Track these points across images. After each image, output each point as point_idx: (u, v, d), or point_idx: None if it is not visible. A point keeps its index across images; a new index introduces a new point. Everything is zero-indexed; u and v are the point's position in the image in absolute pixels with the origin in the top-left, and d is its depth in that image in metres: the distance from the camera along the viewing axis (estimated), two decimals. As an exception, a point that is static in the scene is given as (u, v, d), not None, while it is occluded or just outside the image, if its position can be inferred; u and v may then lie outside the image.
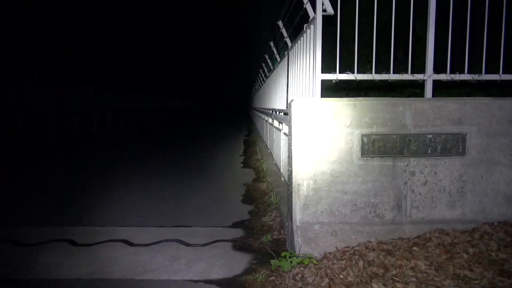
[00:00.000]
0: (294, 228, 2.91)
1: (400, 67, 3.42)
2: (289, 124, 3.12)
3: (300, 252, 2.77)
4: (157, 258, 3.07)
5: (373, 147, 2.86)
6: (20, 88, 11.78)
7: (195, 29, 54.33)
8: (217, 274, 2.78)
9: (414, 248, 2.58)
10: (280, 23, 5.57)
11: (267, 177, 6.00)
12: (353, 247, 2.74)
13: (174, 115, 34.19)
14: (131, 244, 3.37)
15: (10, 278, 2.78)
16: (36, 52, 14.83)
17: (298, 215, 2.91)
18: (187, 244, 3.35)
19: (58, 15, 17.14)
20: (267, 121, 9.33)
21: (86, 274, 2.79)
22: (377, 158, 2.88)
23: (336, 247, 2.77)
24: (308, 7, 3.44)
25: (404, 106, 2.86)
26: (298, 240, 2.85)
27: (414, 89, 6.83)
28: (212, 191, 5.58)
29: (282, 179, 5.37)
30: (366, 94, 8.95)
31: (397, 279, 2.26)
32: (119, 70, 24.46)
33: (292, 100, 2.93)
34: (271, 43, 7.48)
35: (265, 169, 6.72)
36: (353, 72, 3.22)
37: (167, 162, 8.68)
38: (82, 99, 16.24)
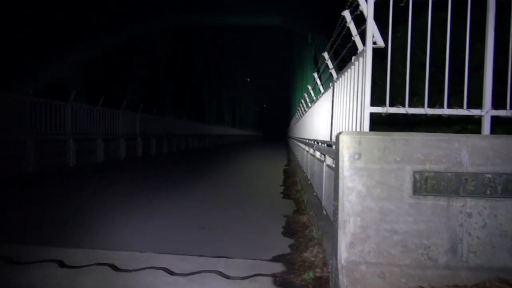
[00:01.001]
0: (339, 267, 2.77)
1: (451, 101, 3.27)
2: (335, 157, 3.03)
3: (346, 293, 2.61)
4: (196, 290, 3.01)
5: (426, 184, 2.71)
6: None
7: (240, 58, 55.96)
8: (257, 311, 2.68)
9: (473, 297, 2.37)
10: (325, 54, 5.57)
11: (308, 210, 5.85)
12: (403, 291, 2.56)
13: (218, 141, 35.02)
14: (171, 272, 3.34)
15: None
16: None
17: (343, 253, 2.77)
18: (227, 277, 3.28)
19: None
20: (307, 151, 9.23)
21: (126, 302, 2.78)
22: (430, 196, 2.72)
23: (385, 291, 2.60)
24: (357, 39, 3.41)
25: (460, 143, 2.70)
26: (343, 280, 2.71)
27: (465, 125, 6.52)
28: (252, 221, 5.50)
29: (324, 212, 5.21)
30: (412, 129, 8.66)
31: (455, 332, 2.06)
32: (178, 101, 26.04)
33: (340, 133, 2.85)
34: (315, 74, 7.49)
35: (305, 200, 6.58)
36: (403, 106, 3.12)
37: (207, 189, 8.73)
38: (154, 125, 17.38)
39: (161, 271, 3.37)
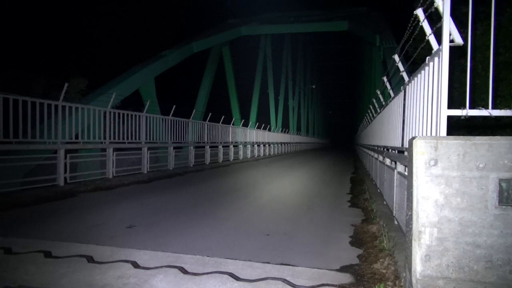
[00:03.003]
0: (414, 281, 2.58)
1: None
2: (408, 164, 2.85)
3: (421, 310, 2.43)
4: (262, 297, 2.99)
5: (514, 194, 2.44)
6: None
7: (308, 65, 55.77)
8: (325, 322, 2.58)
9: None
10: (396, 57, 5.31)
11: (377, 219, 5.58)
12: (488, 312, 2.31)
13: (285, 148, 35.18)
14: (237, 278, 3.35)
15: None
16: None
17: (418, 266, 2.58)
18: (292, 285, 3.21)
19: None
20: (376, 158, 8.86)
21: (194, 304, 2.83)
22: (520, 207, 2.44)
23: (467, 310, 2.37)
24: (432, 38, 3.20)
25: (555, 148, 2.40)
26: (418, 295, 2.52)
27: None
28: (319, 230, 5.37)
29: (395, 222, 4.93)
30: (492, 134, 7.94)
31: None
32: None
33: (413, 138, 2.68)
34: (384, 78, 7.18)
35: (374, 210, 6.30)
36: (485, 108, 2.85)
37: (274, 192, 8.73)
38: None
39: (227, 276, 3.40)
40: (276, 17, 30.04)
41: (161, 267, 3.59)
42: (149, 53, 19.74)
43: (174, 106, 14.71)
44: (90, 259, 3.79)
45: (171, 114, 14.72)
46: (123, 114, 11.83)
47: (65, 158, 9.27)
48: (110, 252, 4.02)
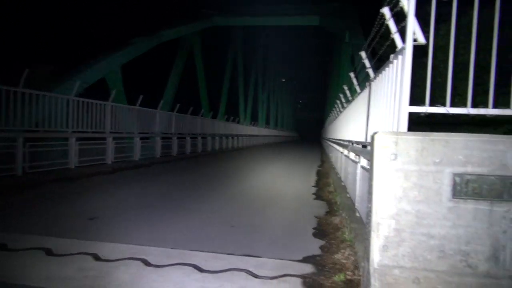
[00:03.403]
0: (371, 270, 2.67)
1: (496, 103, 3.09)
2: (370, 158, 2.93)
3: (378, 298, 2.52)
4: (225, 287, 3.01)
5: (467, 188, 2.56)
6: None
7: (275, 57, 55.94)
8: (286, 311, 2.63)
9: (517, 309, 2.22)
10: (362, 53, 5.43)
11: (341, 211, 5.73)
12: (439, 299, 2.44)
13: (252, 141, 35.18)
14: (200, 270, 3.36)
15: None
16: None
17: (376, 256, 2.67)
18: (255, 276, 3.26)
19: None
20: (342, 152, 9.06)
21: (156, 296, 2.82)
22: (471, 201, 2.57)
23: (420, 297, 2.49)
24: (396, 36, 3.29)
25: (505, 145, 2.54)
26: (375, 284, 2.62)
27: (511, 126, 6.18)
28: (283, 221, 5.46)
29: (357, 214, 5.08)
30: (452, 130, 8.29)
31: None
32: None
33: (375, 133, 2.76)
34: (351, 74, 7.33)
35: (338, 202, 6.46)
36: (443, 105, 2.98)
37: (240, 185, 8.77)
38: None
39: (191, 267, 3.40)
40: (249, 9, 29.88)
41: (123, 259, 3.54)
42: (117, 41, 19.17)
43: (141, 96, 14.40)
44: (49, 252, 3.68)
45: (138, 104, 14.42)
46: (88, 103, 11.47)
47: (24, 147, 8.90)
48: (70, 245, 3.91)
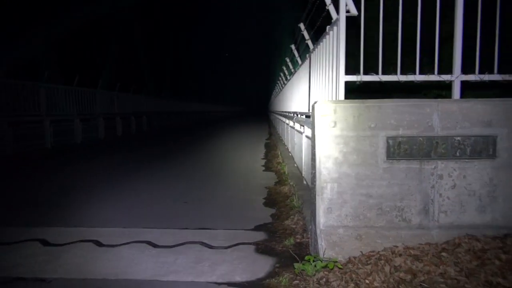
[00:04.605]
0: (318, 231, 2.87)
1: (425, 69, 3.34)
2: (312, 127, 3.09)
3: (324, 256, 2.73)
4: (181, 260, 3.09)
5: (399, 149, 2.80)
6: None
7: (219, 32, 54.89)
8: (241, 277, 2.77)
9: (443, 253, 2.51)
10: (301, 25, 5.55)
11: (289, 180, 5.97)
12: (378, 251, 2.69)
13: (199, 118, 34.80)
14: (155, 245, 3.40)
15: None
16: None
17: (322, 218, 2.87)
18: (210, 247, 3.36)
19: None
20: (288, 124, 9.30)
21: (112, 275, 2.83)
22: (403, 161, 2.82)
23: (361, 252, 2.73)
24: (331, 8, 3.41)
25: (431, 108, 2.79)
26: (322, 243, 2.82)
27: (439, 91, 6.66)
28: (234, 193, 5.59)
29: (304, 182, 5.32)
30: (389, 97, 8.79)
31: (426, 285, 2.20)
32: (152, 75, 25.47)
33: (315, 102, 2.90)
34: (292, 46, 7.46)
35: (286, 172, 6.69)
36: (377, 74, 3.17)
37: (191, 162, 8.76)
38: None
39: (145, 244, 3.43)
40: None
41: (74, 242, 3.49)
42: (44, 15, 17.66)
43: (77, 76, 13.66)
44: (-7, 242, 3.53)
45: (74, 84, 13.68)
46: (18, 85, 10.70)
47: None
48: (15, 232, 3.77)
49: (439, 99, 2.85)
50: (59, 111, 12.68)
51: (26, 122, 11.03)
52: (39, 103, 11.63)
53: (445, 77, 3.13)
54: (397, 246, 2.72)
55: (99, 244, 3.45)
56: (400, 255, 2.56)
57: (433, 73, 3.15)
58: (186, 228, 3.90)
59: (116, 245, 3.41)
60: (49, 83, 12.28)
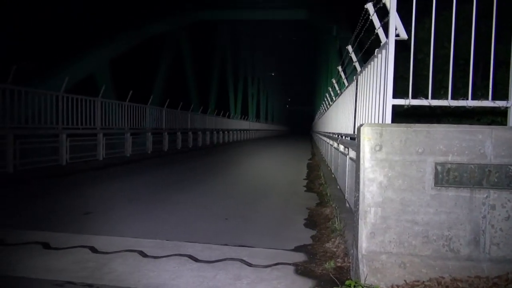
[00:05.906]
0: (360, 256, 2.81)
1: (477, 94, 3.23)
2: (357, 150, 3.06)
3: (366, 282, 2.66)
4: (220, 276, 3.12)
5: (448, 176, 2.71)
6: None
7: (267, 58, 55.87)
8: (279, 297, 2.76)
9: (494, 288, 2.37)
10: (349, 47, 5.55)
11: (331, 202, 5.88)
12: (423, 281, 2.58)
13: (244, 136, 35.30)
14: (196, 259, 3.46)
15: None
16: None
17: (364, 243, 2.81)
18: (249, 264, 3.38)
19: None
20: (331, 145, 9.21)
21: (154, 285, 2.92)
22: (452, 188, 2.72)
23: (405, 280, 2.63)
24: (380, 32, 3.41)
25: (483, 134, 2.68)
26: (363, 269, 2.75)
27: (494, 117, 6.37)
28: (275, 213, 5.58)
29: (347, 205, 5.23)
30: (438, 121, 8.50)
31: (474, 320, 2.08)
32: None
33: (361, 125, 2.88)
34: (339, 68, 7.46)
35: (328, 194, 6.60)
36: (426, 98, 3.11)
37: (233, 180, 8.88)
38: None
39: (186, 258, 3.50)
40: (235, 3, 29.77)
41: (120, 251, 3.63)
42: (103, 36, 19.07)
43: (131, 92, 14.37)
44: (46, 246, 3.75)
45: (127, 100, 14.39)
46: (77, 99, 11.42)
47: (14, 144, 8.87)
48: (66, 238, 3.99)
49: (492, 126, 2.74)
50: (112, 124, 13.35)
51: (82, 135, 11.69)
52: (94, 116, 12.30)
53: (500, 103, 3.01)
54: (443, 277, 2.60)
55: (143, 254, 3.57)
56: (447, 286, 2.45)
57: (487, 98, 3.03)
58: (226, 245, 3.95)
59: (159, 257, 3.51)
60: (104, 98, 12.99)
